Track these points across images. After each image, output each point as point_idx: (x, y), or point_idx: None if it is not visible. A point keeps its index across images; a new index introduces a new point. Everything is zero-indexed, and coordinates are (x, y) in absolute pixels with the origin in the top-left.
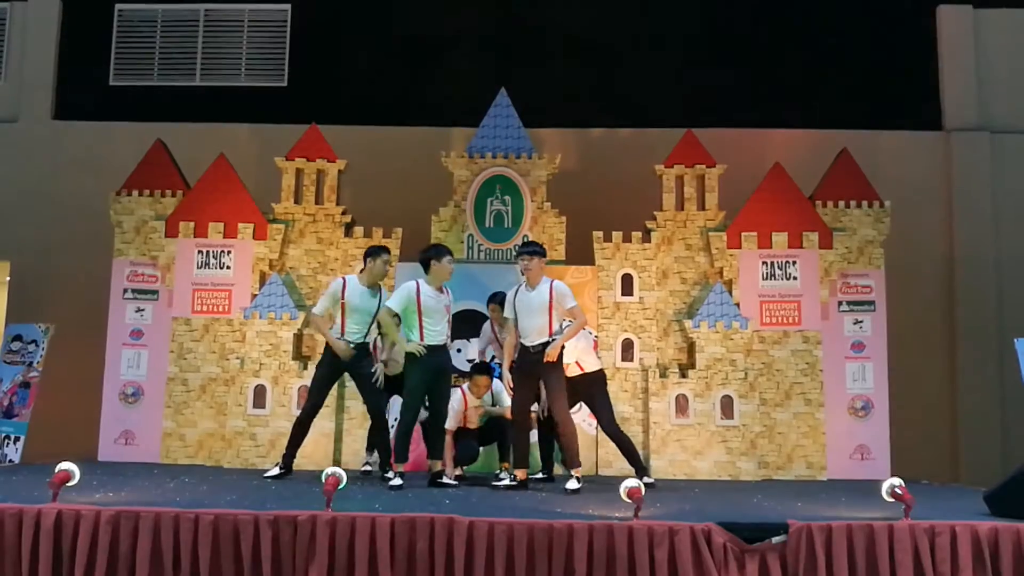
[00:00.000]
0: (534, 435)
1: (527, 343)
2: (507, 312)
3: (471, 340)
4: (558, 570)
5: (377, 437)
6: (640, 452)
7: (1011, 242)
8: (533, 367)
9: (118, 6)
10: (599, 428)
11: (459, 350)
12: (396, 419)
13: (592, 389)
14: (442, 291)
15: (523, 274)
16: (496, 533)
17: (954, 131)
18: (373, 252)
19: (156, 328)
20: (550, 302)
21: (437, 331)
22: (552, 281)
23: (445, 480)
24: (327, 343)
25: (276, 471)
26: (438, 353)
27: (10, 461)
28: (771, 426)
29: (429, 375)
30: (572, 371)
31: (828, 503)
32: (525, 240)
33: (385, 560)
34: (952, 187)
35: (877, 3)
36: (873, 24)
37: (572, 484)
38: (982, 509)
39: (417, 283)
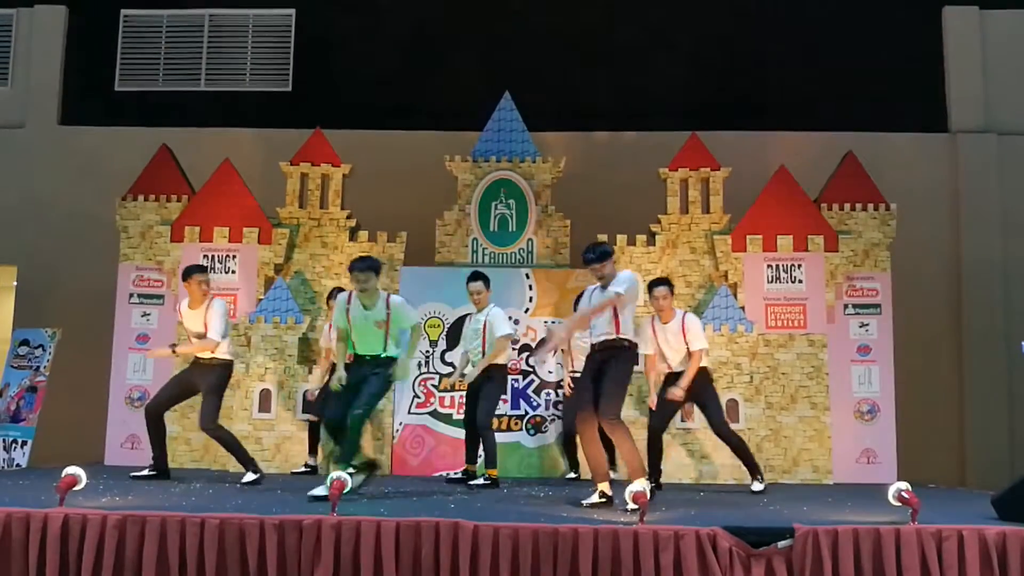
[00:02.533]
0: (540, 439)
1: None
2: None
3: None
4: (563, 575)
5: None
6: (645, 456)
7: (1018, 245)
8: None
9: (124, 12)
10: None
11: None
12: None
13: (699, 387)
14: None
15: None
16: (501, 538)
17: (960, 133)
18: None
19: (162, 332)
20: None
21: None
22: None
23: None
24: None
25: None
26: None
27: (17, 465)
28: (777, 430)
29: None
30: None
31: (834, 507)
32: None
33: (390, 564)
34: (959, 189)
35: (882, 4)
36: (878, 26)
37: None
38: (989, 513)
39: (349, 294)
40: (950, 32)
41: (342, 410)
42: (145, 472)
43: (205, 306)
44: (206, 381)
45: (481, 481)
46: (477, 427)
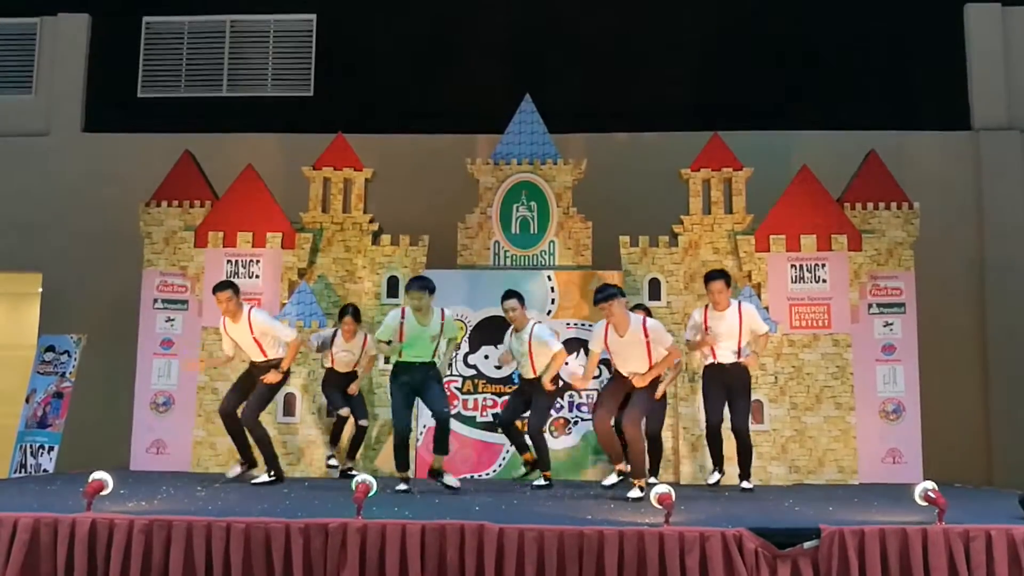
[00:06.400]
0: (564, 442)
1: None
2: (594, 346)
3: (497, 346)
4: None
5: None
6: (670, 457)
7: None
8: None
9: (146, 19)
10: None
11: (486, 356)
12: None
13: (734, 383)
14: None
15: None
16: (526, 540)
17: (983, 130)
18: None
19: (186, 337)
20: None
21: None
22: (644, 320)
23: (447, 481)
24: None
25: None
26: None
27: (44, 471)
28: (802, 430)
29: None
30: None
31: (860, 507)
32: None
33: (416, 567)
34: (982, 187)
35: (904, 2)
36: (900, 23)
37: (635, 493)
38: (1017, 512)
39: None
40: (972, 29)
41: (408, 419)
42: (238, 470)
43: (247, 319)
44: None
45: (542, 481)
46: (530, 435)
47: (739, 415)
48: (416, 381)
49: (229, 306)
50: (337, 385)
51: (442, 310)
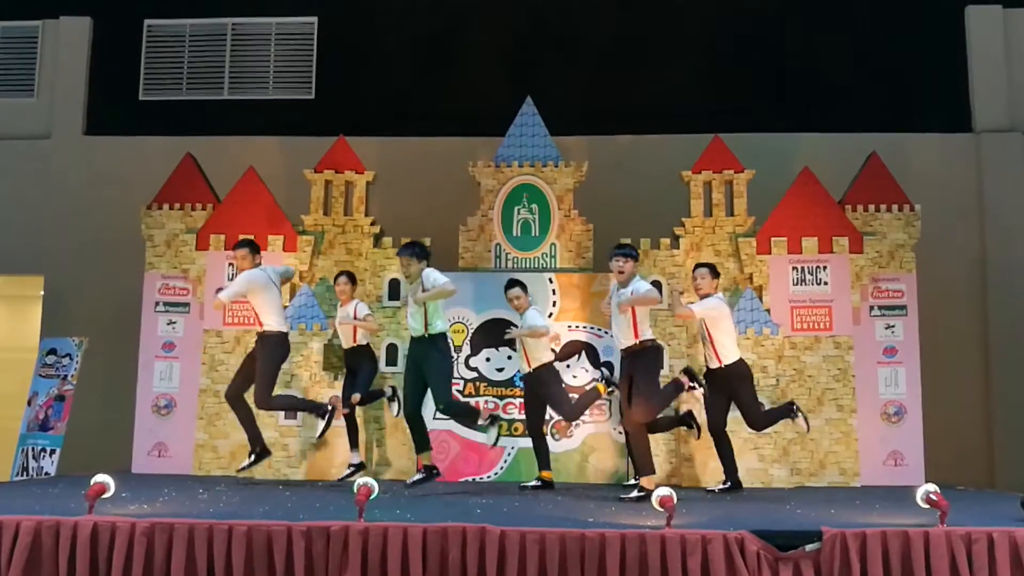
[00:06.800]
0: (565, 444)
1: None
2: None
3: (500, 348)
4: None
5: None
6: (672, 460)
7: None
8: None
9: (147, 22)
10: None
11: (487, 359)
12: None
13: (727, 385)
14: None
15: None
16: (528, 542)
17: (984, 132)
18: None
19: (188, 340)
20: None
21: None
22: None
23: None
24: None
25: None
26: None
27: (46, 474)
28: (803, 433)
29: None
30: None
31: (862, 510)
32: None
33: (417, 570)
34: (983, 189)
35: (905, 4)
36: (901, 25)
37: (635, 492)
38: (1019, 514)
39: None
40: (973, 31)
41: (413, 399)
42: (248, 463)
43: None
44: (260, 353)
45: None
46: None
47: (748, 413)
48: (415, 357)
49: (244, 264)
50: (347, 366)
51: (425, 271)
